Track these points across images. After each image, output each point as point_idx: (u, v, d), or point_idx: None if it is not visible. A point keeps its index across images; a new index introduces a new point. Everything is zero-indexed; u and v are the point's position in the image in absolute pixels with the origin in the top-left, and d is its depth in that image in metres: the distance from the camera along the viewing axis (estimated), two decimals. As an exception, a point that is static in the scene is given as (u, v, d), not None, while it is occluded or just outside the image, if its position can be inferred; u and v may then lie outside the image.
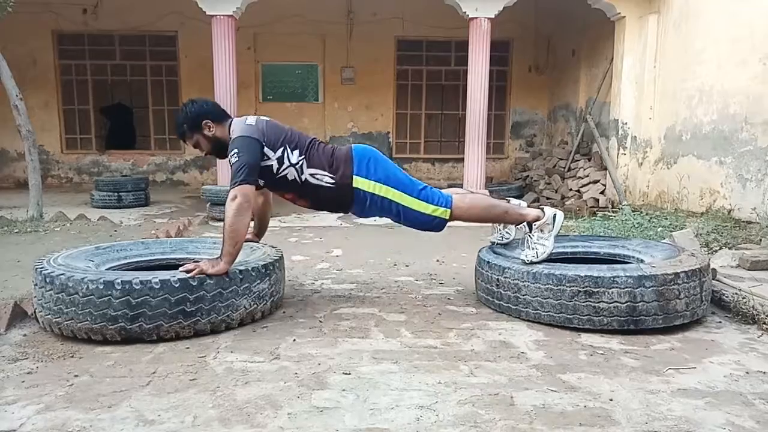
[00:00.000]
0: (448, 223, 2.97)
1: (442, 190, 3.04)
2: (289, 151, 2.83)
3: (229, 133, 2.82)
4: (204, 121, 2.83)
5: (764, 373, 2.19)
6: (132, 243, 3.28)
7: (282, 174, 2.84)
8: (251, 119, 2.86)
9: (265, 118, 2.93)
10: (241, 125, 2.81)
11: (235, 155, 2.68)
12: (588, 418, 1.82)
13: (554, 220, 2.89)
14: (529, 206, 3.08)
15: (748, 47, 5.46)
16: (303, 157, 2.85)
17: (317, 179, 2.86)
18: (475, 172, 7.52)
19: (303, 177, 2.86)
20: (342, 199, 2.92)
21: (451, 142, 11.29)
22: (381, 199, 2.88)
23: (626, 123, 7.45)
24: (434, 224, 2.93)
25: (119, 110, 11.58)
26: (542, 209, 2.95)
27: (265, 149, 2.77)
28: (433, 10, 8.97)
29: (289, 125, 2.99)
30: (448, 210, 2.88)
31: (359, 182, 2.86)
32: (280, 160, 2.82)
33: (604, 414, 1.84)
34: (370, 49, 10.53)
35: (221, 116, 2.89)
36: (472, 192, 3.17)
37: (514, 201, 3.16)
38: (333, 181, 2.86)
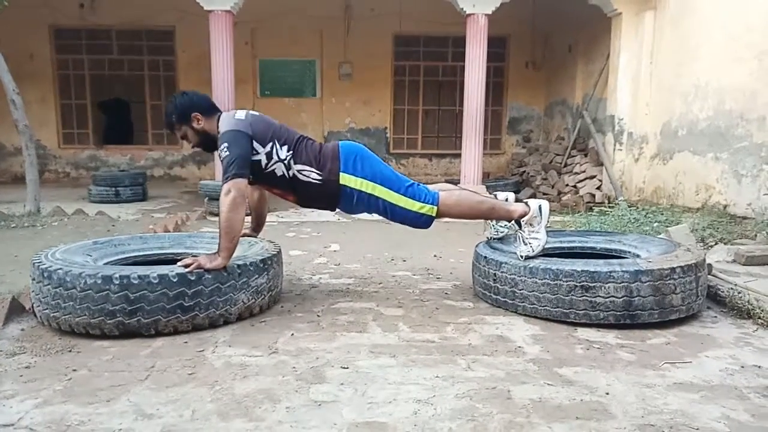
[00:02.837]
0: (445, 219, 2.97)
1: (432, 186, 3.05)
2: (278, 146, 2.82)
3: (218, 128, 2.81)
4: (193, 114, 2.83)
5: (759, 367, 2.20)
6: (130, 238, 3.28)
7: (270, 169, 2.84)
8: (240, 113, 2.85)
9: (254, 112, 2.93)
10: (230, 119, 2.80)
11: (225, 149, 2.67)
12: (584, 411, 1.83)
13: (541, 212, 2.88)
14: (516, 200, 3.09)
15: (744, 44, 5.47)
16: (291, 152, 2.85)
17: (305, 175, 2.86)
18: (472, 168, 7.52)
19: (291, 173, 2.86)
20: (329, 196, 2.92)
21: (448, 137, 11.30)
22: (368, 196, 2.87)
23: (622, 119, 7.46)
24: (421, 221, 2.93)
25: (116, 105, 11.55)
26: (527, 203, 2.94)
27: (254, 143, 2.77)
28: (430, 5, 8.95)
29: (280, 121, 2.98)
30: (435, 207, 2.88)
31: (346, 179, 2.85)
32: (269, 155, 2.81)
33: (601, 408, 1.86)
34: (367, 44, 10.53)
35: (211, 110, 2.88)
36: (461, 189, 3.16)
37: (500, 195, 3.15)
38: (320, 177, 2.85)
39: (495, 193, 3.26)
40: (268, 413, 1.80)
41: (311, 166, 2.85)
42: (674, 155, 6.63)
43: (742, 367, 2.21)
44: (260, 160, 2.80)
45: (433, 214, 2.90)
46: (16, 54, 9.01)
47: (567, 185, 8.01)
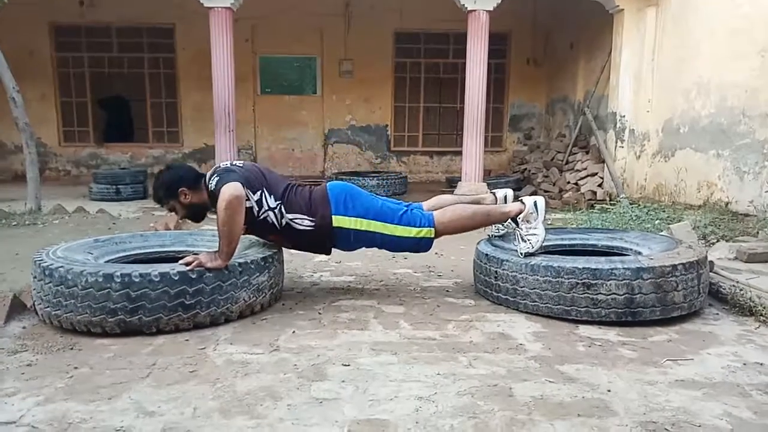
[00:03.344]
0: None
1: (425, 204, 3.08)
2: (266, 194, 2.84)
3: (206, 185, 2.81)
4: (180, 189, 2.84)
5: (761, 364, 2.20)
6: (131, 236, 3.28)
7: (262, 217, 2.85)
8: (225, 163, 2.93)
9: (239, 161, 3.00)
10: (216, 169, 2.84)
11: (216, 176, 2.73)
12: (586, 408, 1.83)
13: (536, 208, 2.89)
14: (515, 198, 3.11)
15: (747, 40, 5.45)
16: (280, 201, 2.86)
17: (297, 224, 2.87)
18: (473, 166, 7.51)
19: (283, 221, 2.87)
20: (325, 240, 2.94)
21: (449, 134, 11.28)
22: (364, 233, 2.90)
23: (624, 116, 7.44)
24: (421, 245, 2.96)
25: (117, 103, 11.54)
26: (522, 201, 2.96)
27: (245, 189, 2.76)
28: (431, 2, 8.94)
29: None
30: (432, 229, 2.90)
31: (339, 221, 2.87)
32: (260, 203, 2.82)
33: (602, 405, 1.86)
34: (368, 41, 10.50)
35: (196, 181, 2.88)
36: (454, 201, 3.18)
37: (499, 193, 3.18)
38: (313, 224, 2.87)
39: (494, 190, 3.27)
40: (270, 410, 1.80)
41: (303, 214, 2.87)
42: (676, 152, 6.62)
43: (744, 364, 2.21)
44: (252, 207, 2.80)
45: (431, 236, 2.92)
46: (15, 51, 9.00)
47: (568, 183, 8.00)
